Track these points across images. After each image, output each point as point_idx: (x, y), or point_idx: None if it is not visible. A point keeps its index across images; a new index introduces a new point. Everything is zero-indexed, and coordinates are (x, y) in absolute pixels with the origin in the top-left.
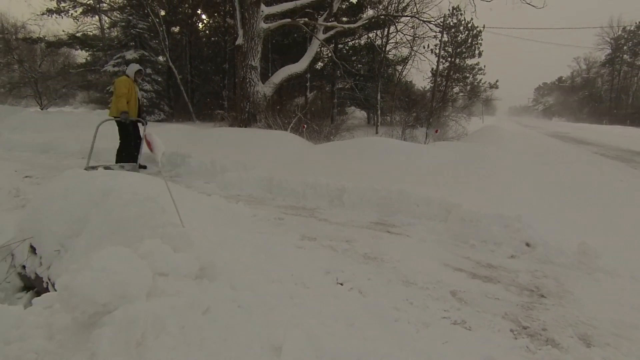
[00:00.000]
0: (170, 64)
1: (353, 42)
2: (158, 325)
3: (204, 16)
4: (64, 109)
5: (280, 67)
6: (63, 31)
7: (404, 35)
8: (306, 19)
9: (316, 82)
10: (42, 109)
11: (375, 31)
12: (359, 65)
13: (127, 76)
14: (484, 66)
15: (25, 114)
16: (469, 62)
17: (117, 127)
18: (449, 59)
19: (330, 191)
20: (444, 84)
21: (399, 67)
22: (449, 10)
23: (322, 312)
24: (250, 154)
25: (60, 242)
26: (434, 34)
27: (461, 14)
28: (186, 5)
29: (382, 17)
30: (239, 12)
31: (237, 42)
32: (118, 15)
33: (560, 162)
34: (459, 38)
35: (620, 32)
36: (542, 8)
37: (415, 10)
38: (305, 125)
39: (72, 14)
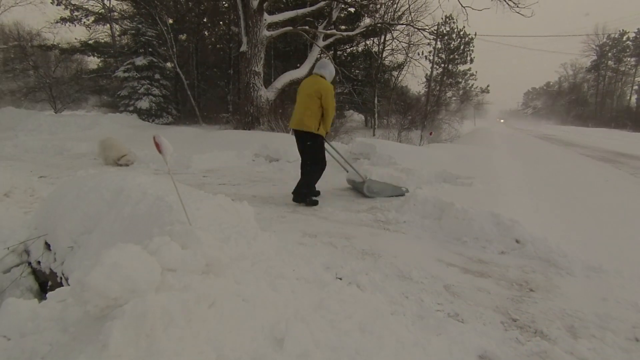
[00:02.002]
0: (178, 69)
1: (351, 49)
2: (166, 318)
3: (209, 24)
4: (77, 112)
5: (282, 72)
6: (76, 39)
7: (400, 42)
8: (307, 27)
9: None
10: (56, 113)
11: (372, 38)
12: (357, 71)
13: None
14: (476, 72)
15: (40, 117)
16: (462, 68)
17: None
18: (443, 65)
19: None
20: (437, 88)
21: (395, 73)
22: (442, 18)
23: (322, 306)
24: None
25: (73, 239)
26: (428, 41)
27: (454, 22)
28: (193, 14)
29: (379, 25)
30: (243, 20)
31: (241, 49)
32: (128, 24)
33: (548, 163)
34: (451, 45)
35: (605, 40)
36: (531, 17)
37: (410, 19)
38: None
39: (84, 22)
